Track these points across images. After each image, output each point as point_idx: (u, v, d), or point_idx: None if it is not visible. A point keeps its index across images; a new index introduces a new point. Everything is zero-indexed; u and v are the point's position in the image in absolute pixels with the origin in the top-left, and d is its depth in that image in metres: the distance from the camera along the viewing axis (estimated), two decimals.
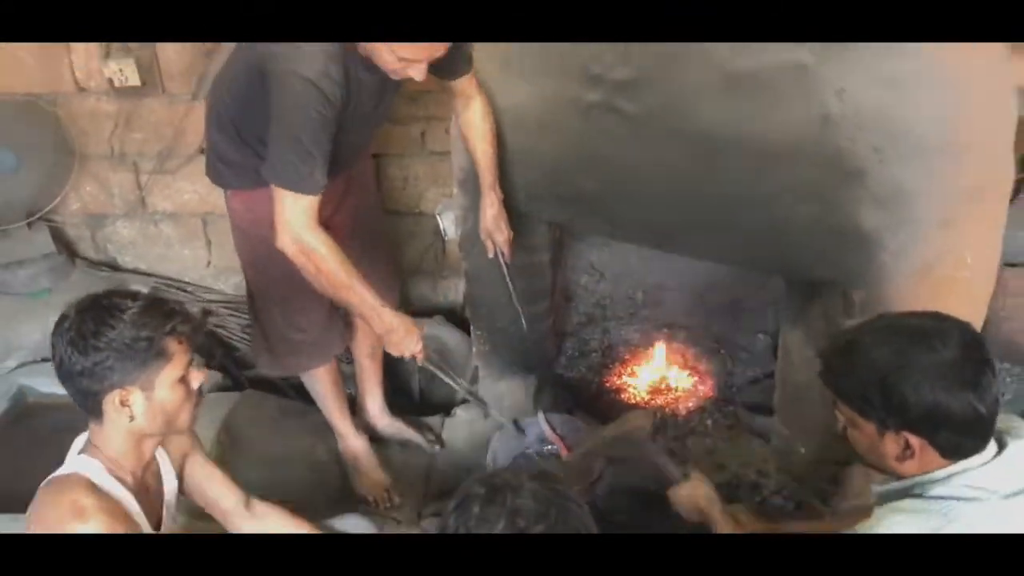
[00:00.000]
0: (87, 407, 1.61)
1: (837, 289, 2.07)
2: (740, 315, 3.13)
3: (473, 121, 2.31)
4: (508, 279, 2.48)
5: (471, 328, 2.85)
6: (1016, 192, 2.39)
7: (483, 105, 2.30)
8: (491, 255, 2.43)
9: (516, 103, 2.26)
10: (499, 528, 1.20)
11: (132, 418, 1.60)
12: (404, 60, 1.88)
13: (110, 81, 3.07)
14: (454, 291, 3.40)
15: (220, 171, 2.26)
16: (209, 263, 3.54)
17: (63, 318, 1.58)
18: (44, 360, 3.15)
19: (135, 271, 3.54)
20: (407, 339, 2.13)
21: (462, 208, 2.58)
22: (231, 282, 3.58)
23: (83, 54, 3.11)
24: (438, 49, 1.88)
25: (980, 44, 1.95)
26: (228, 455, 2.57)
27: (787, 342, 2.34)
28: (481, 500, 1.24)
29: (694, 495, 2.01)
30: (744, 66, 1.91)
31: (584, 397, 2.84)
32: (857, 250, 1.96)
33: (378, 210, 2.60)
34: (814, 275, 2.10)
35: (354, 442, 2.65)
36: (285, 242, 1.97)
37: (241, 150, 2.16)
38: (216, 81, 2.25)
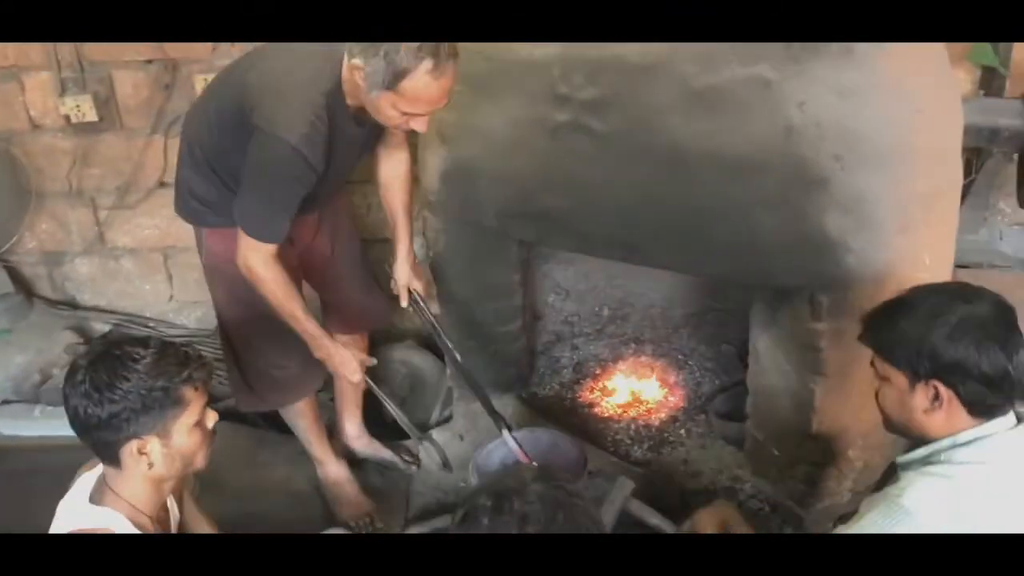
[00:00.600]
0: (104, 456, 1.61)
1: (805, 294, 2.14)
2: (703, 327, 3.20)
3: (398, 173, 2.39)
4: (432, 320, 2.53)
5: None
6: (963, 196, 2.49)
7: (408, 158, 2.39)
8: (405, 304, 2.49)
9: (486, 124, 2.30)
10: None
11: (151, 466, 1.59)
12: (407, 114, 1.89)
13: (66, 117, 3.05)
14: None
15: (196, 210, 2.24)
16: (171, 297, 3.51)
17: (75, 369, 1.57)
18: (6, 402, 3.10)
19: (95, 308, 3.51)
20: (344, 367, 2.26)
21: (434, 230, 2.61)
22: (193, 316, 3.55)
23: (38, 91, 3.09)
24: (443, 100, 1.90)
25: (926, 55, 2.06)
26: (204, 489, 2.54)
27: (757, 348, 2.41)
28: (489, 511, 1.24)
29: (721, 514, 2.01)
30: (708, 82, 1.98)
31: (558, 413, 2.87)
32: (823, 256, 2.03)
33: (355, 232, 2.61)
34: (782, 282, 2.16)
35: (335, 468, 2.64)
36: (243, 268, 2.08)
37: (219, 189, 2.16)
38: (191, 118, 2.24)
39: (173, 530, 1.80)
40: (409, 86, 1.82)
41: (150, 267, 3.44)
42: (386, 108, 1.88)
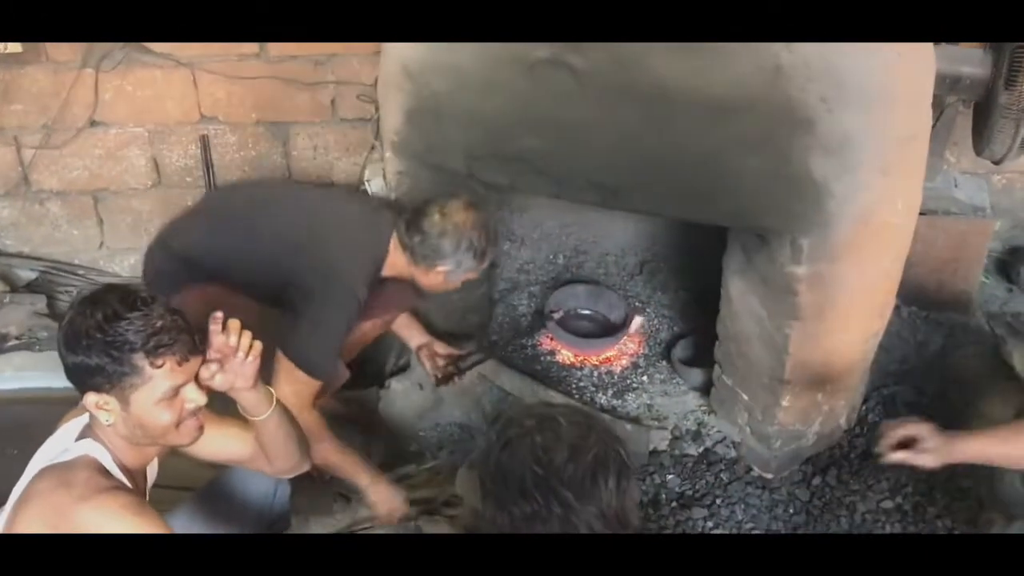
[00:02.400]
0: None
1: (785, 238, 2.13)
2: (658, 274, 3.19)
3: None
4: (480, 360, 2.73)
5: None
6: None
7: None
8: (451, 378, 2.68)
9: (459, 62, 2.20)
10: (563, 454, 1.27)
11: (110, 423, 1.52)
12: (453, 281, 2.33)
13: None
14: None
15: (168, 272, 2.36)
16: (102, 244, 3.33)
17: (69, 307, 1.51)
18: None
19: (18, 255, 3.29)
20: (391, 504, 2.35)
21: (395, 172, 2.51)
22: (126, 263, 3.38)
23: None
24: None
25: None
26: None
27: (729, 292, 2.40)
28: (535, 430, 1.31)
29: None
30: None
31: (520, 360, 2.82)
32: (806, 198, 2.03)
33: None
34: (764, 225, 2.15)
35: None
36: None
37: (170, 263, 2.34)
38: (180, 234, 2.40)
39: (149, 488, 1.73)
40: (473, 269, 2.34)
41: (79, 211, 3.25)
42: (440, 280, 2.32)
